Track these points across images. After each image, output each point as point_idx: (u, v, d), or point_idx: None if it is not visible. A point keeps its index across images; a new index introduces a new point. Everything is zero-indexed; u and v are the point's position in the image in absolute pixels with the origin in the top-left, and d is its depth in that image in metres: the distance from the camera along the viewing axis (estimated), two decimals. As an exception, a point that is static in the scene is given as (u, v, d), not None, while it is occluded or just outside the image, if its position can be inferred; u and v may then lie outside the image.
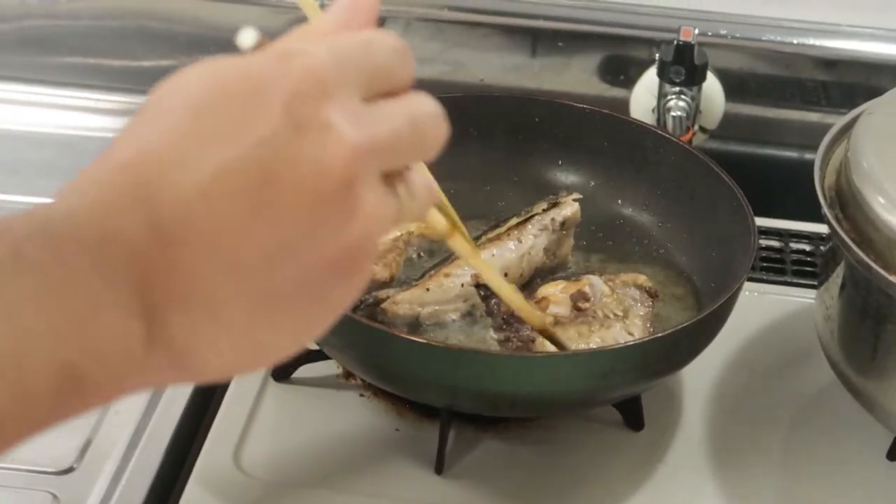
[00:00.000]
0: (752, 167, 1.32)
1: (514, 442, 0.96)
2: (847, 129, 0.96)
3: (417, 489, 0.92)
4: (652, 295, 0.96)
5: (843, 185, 0.92)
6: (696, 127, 1.23)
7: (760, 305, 1.09)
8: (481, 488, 0.92)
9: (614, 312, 0.94)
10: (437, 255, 1.02)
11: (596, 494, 0.93)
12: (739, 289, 0.92)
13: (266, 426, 0.96)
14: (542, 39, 1.35)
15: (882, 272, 0.86)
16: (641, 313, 0.95)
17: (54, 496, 0.90)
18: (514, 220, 1.00)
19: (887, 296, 0.86)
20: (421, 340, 0.86)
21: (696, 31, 1.19)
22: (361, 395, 0.99)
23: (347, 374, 1.00)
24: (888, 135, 0.93)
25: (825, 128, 1.01)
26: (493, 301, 0.93)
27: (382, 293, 0.96)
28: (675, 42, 1.18)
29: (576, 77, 1.34)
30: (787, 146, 1.33)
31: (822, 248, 1.14)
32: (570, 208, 1.01)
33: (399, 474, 0.93)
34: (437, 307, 0.96)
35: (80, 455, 0.93)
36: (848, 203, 0.91)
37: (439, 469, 0.92)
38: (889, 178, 0.89)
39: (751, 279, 1.11)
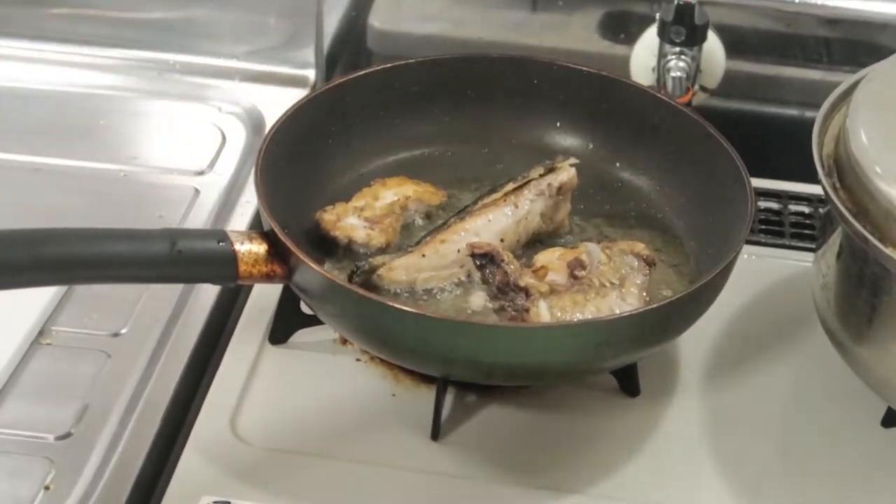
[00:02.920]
0: (754, 125, 1.31)
1: (510, 408, 0.96)
2: (846, 95, 0.96)
3: (414, 456, 0.92)
4: (649, 263, 0.96)
5: (842, 154, 0.92)
6: (697, 87, 1.22)
7: (758, 269, 1.09)
8: (477, 454, 0.93)
9: (610, 281, 0.94)
10: (434, 220, 1.02)
11: (592, 460, 0.93)
12: (735, 259, 0.92)
13: (262, 392, 0.97)
14: (542, -4, 1.35)
15: (879, 244, 0.85)
16: (638, 282, 0.95)
17: (51, 461, 0.90)
18: (510, 186, 1.00)
19: (884, 267, 0.86)
20: (416, 311, 0.86)
21: (697, -10, 1.18)
22: (358, 360, 0.99)
23: (344, 339, 1.00)
24: (887, 104, 0.93)
25: (827, 85, 1.00)
26: (487, 270, 0.93)
27: (378, 259, 0.96)
28: (676, 1, 1.17)
29: (576, 35, 1.33)
30: (788, 104, 1.32)
31: (820, 210, 1.13)
32: (566, 173, 1.00)
33: (395, 441, 0.93)
34: (432, 273, 0.96)
35: (76, 421, 0.93)
36: (846, 172, 0.91)
37: (435, 436, 0.93)
38: (887, 148, 0.89)
39: (749, 242, 1.11)
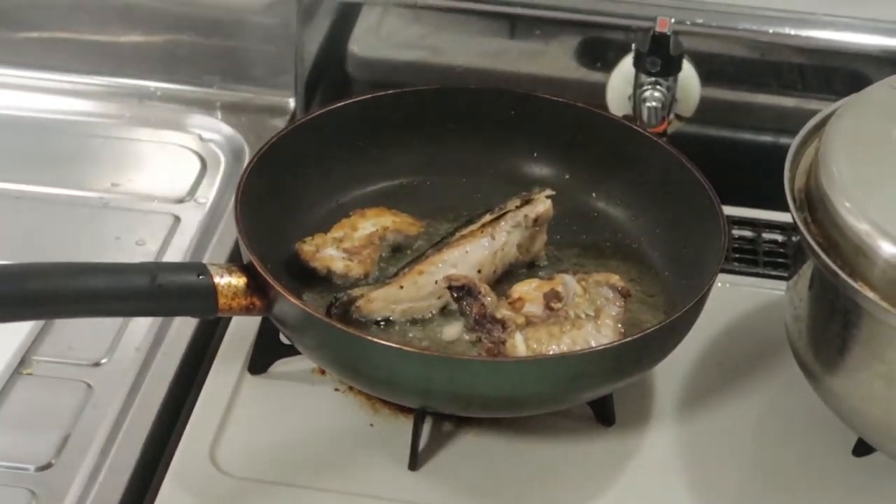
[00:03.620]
0: (729, 152, 1.33)
1: (487, 437, 0.97)
2: (818, 129, 0.97)
3: (391, 486, 0.93)
4: (624, 295, 0.97)
5: (813, 187, 0.93)
6: (672, 116, 1.24)
7: (732, 297, 1.10)
8: (455, 484, 0.94)
9: (586, 312, 0.95)
10: (412, 251, 1.03)
11: (567, 489, 0.94)
12: (708, 291, 0.94)
13: (242, 422, 0.97)
14: (520, 25, 1.36)
15: (848, 279, 0.87)
16: (613, 313, 0.96)
17: (32, 493, 0.91)
18: (487, 217, 1.01)
19: (854, 301, 0.88)
20: (393, 344, 0.88)
21: (673, 21, 1.19)
22: (336, 390, 1.00)
23: (323, 370, 1.01)
24: (858, 138, 0.94)
25: (801, 113, 1.01)
26: (465, 302, 0.94)
27: (356, 291, 0.97)
28: (652, 32, 1.19)
29: (553, 62, 1.34)
30: (763, 131, 1.33)
31: (794, 238, 1.15)
32: (542, 205, 1.02)
33: (373, 470, 0.94)
34: (410, 304, 0.97)
35: (57, 451, 0.94)
36: (817, 207, 0.92)
37: (413, 465, 0.94)
38: (857, 183, 0.90)
39: (723, 270, 1.12)
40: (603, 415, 0.98)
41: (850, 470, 0.97)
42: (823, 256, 0.88)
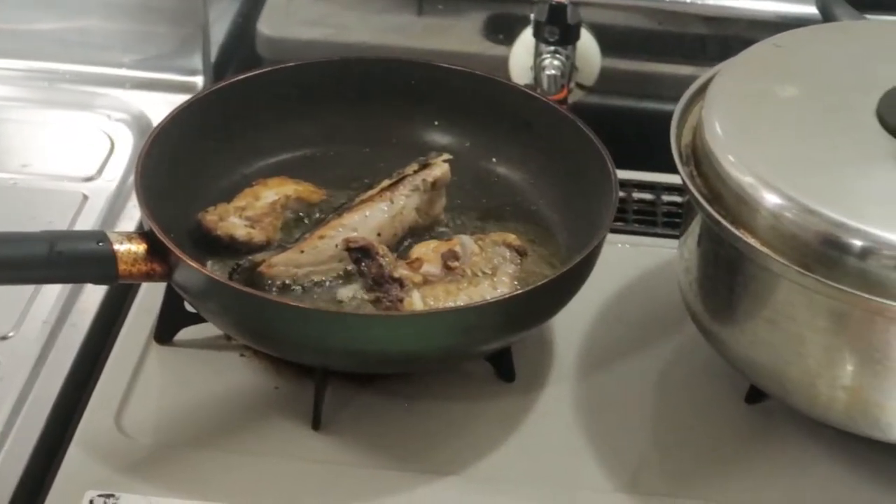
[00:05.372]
0: (632, 120, 1.36)
1: (390, 396, 0.99)
2: (703, 89, 1.00)
3: (296, 445, 0.95)
4: (521, 253, 1.00)
5: (698, 144, 0.96)
6: (573, 84, 1.26)
7: (632, 257, 1.13)
8: (358, 442, 0.96)
9: (483, 270, 0.98)
10: (314, 218, 1.05)
11: (468, 444, 0.96)
12: (599, 246, 0.96)
13: (148, 389, 0.99)
14: (427, 1, 1.38)
15: (730, 227, 0.90)
16: (510, 271, 0.99)
17: (-61, 463, 0.92)
18: (385, 182, 1.03)
19: (737, 249, 0.90)
20: (290, 303, 0.89)
21: (571, -9, 1.22)
22: (242, 356, 1.02)
23: (228, 336, 1.02)
24: (740, 95, 0.97)
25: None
26: (363, 263, 0.96)
27: (258, 257, 0.99)
28: (550, 2, 1.21)
29: (459, 37, 1.37)
30: (665, 100, 1.36)
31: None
32: (439, 168, 1.04)
33: (278, 431, 0.96)
34: (312, 268, 0.99)
35: (-36, 421, 0.95)
36: (702, 161, 0.95)
37: (316, 425, 0.96)
38: (740, 138, 0.93)
39: (624, 232, 1.16)
40: (504, 371, 1.00)
41: (744, 417, 1.00)
42: (707, 206, 0.91)
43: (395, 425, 0.97)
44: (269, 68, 1.12)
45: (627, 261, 1.12)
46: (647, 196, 1.20)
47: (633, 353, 1.05)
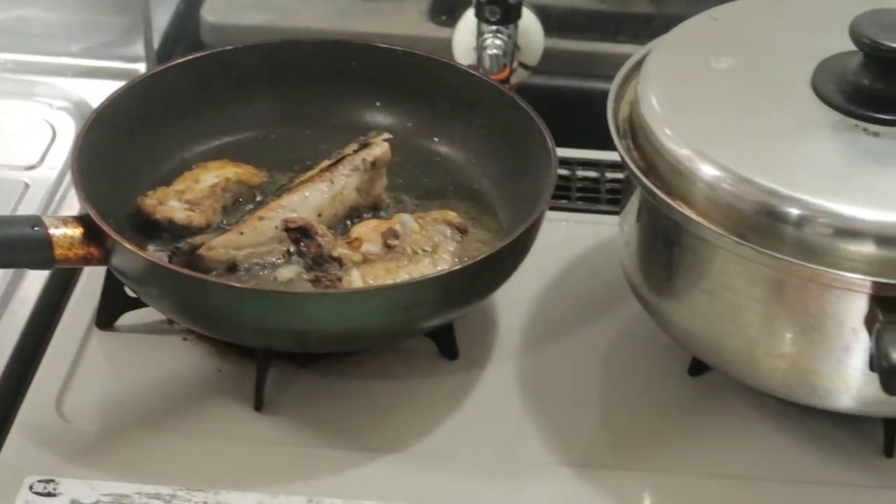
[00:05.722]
0: (577, 100, 1.36)
1: (333, 376, 0.99)
2: (641, 63, 1.00)
3: (239, 426, 0.95)
4: (461, 230, 1.00)
5: (635, 118, 0.96)
6: (516, 64, 1.26)
7: (576, 234, 1.13)
8: (301, 422, 0.96)
9: (423, 248, 0.98)
10: (254, 201, 1.05)
11: (411, 421, 0.96)
12: (538, 221, 0.96)
13: (90, 375, 0.98)
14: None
15: (666, 198, 0.90)
16: (450, 248, 0.99)
17: None
18: (325, 163, 1.03)
19: (673, 220, 0.91)
20: (228, 284, 0.89)
21: (511, -29, 1.22)
22: (185, 339, 1.01)
23: (170, 320, 1.02)
24: (676, 68, 0.97)
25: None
26: (302, 243, 0.96)
27: (198, 239, 0.99)
28: (491, -18, 1.22)
29: (404, 20, 1.37)
30: (610, 79, 1.35)
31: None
32: (379, 148, 1.04)
33: (220, 413, 0.96)
34: (252, 250, 0.99)
35: None
36: (638, 134, 0.95)
37: (258, 406, 0.96)
38: (673, 110, 0.94)
39: (568, 209, 1.17)
40: (447, 349, 1.00)
41: (687, 389, 1.00)
42: (643, 178, 0.91)
43: (338, 405, 0.97)
44: (208, 52, 1.11)
45: (571, 238, 1.12)
46: (591, 174, 1.20)
47: (577, 328, 1.05)
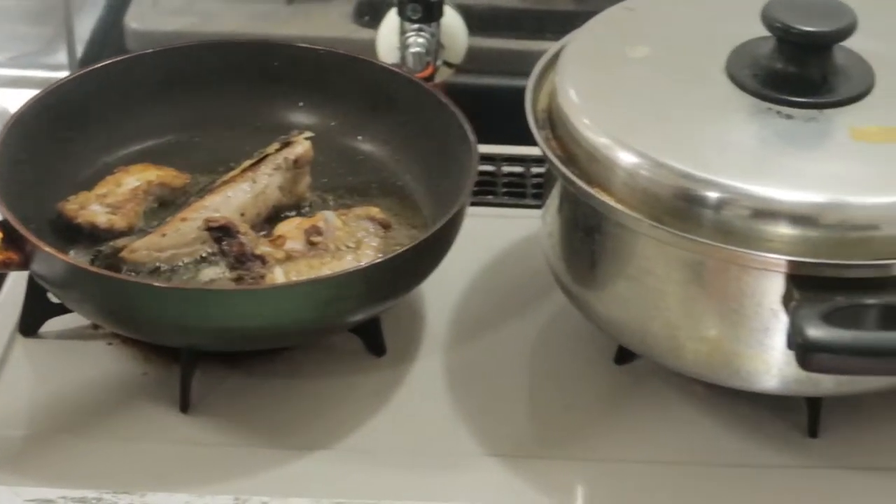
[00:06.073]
0: (503, 98, 1.35)
1: (260, 375, 0.99)
2: (558, 56, 1.01)
3: (165, 428, 0.94)
4: (384, 225, 1.00)
5: (553, 108, 0.97)
6: (440, 62, 1.27)
7: (502, 229, 1.13)
8: (228, 422, 0.95)
9: (346, 244, 0.98)
10: (177, 203, 1.04)
11: (340, 418, 0.96)
12: (459, 214, 0.96)
13: (15, 382, 0.98)
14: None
15: (584, 185, 0.91)
16: (374, 244, 0.99)
17: None
18: (247, 162, 1.03)
19: (593, 208, 0.91)
20: (149, 283, 0.89)
21: (433, -31, 1.23)
22: (110, 344, 1.01)
23: (96, 325, 1.01)
24: (591, 59, 0.98)
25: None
26: (224, 242, 0.96)
27: (120, 242, 0.98)
28: (411, -19, 1.22)
29: (328, 22, 1.38)
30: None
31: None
32: (301, 146, 1.04)
33: (147, 416, 0.95)
34: (175, 251, 0.99)
35: None
36: (557, 125, 0.96)
37: (184, 407, 0.95)
38: (591, 99, 0.94)
39: (494, 204, 1.17)
40: (373, 345, 1.00)
41: (614, 378, 1.00)
42: (561, 167, 0.92)
43: (266, 404, 0.97)
44: (127, 56, 1.11)
45: (498, 232, 1.13)
46: (517, 169, 1.21)
47: (503, 321, 1.05)
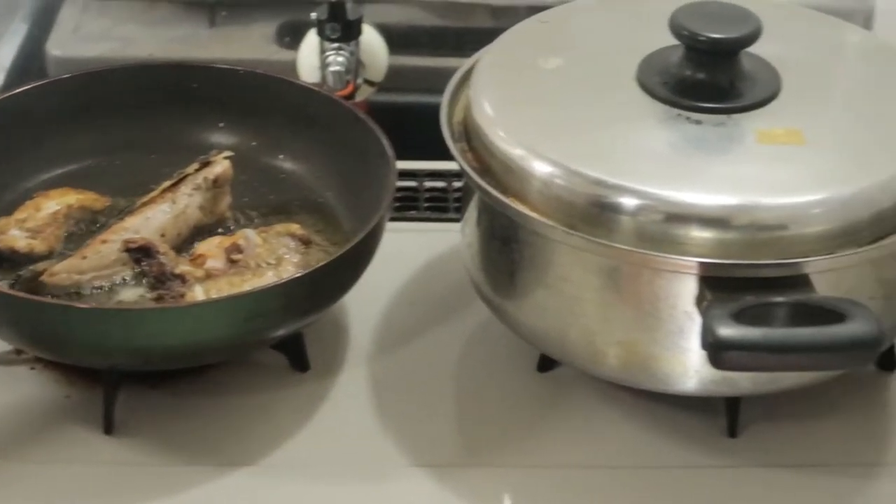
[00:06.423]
0: (424, 115, 1.36)
1: (184, 394, 0.99)
2: (473, 70, 1.02)
3: (88, 451, 0.94)
4: (304, 242, 1.01)
5: (468, 121, 0.98)
6: (361, 80, 1.28)
7: (425, 243, 1.14)
8: (152, 442, 0.95)
9: (267, 261, 0.98)
10: (98, 226, 1.05)
11: (264, 434, 0.96)
12: (377, 228, 0.97)
13: (-66, 408, 0.97)
14: (218, 13, 1.39)
15: (498, 195, 0.92)
16: (295, 260, 0.99)
17: None
18: (166, 183, 1.03)
19: (509, 218, 0.92)
20: (66, 304, 0.89)
21: (349, -12, 1.24)
22: (32, 368, 1.00)
23: (18, 350, 1.01)
24: (504, 71, 0.99)
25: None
26: (144, 262, 0.96)
27: (40, 266, 0.98)
28: (329, 0, 1.23)
29: (250, 45, 1.38)
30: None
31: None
32: (220, 166, 1.04)
33: (71, 438, 0.95)
34: (95, 273, 0.99)
35: None
36: (472, 137, 0.97)
37: (108, 429, 0.95)
38: (505, 111, 0.95)
39: (417, 219, 1.18)
40: (296, 361, 1.00)
41: (538, 386, 1.01)
42: (477, 178, 0.93)
43: (189, 423, 0.97)
44: (45, 80, 1.11)
45: (420, 246, 1.13)
46: (439, 184, 1.22)
47: (427, 334, 1.06)
